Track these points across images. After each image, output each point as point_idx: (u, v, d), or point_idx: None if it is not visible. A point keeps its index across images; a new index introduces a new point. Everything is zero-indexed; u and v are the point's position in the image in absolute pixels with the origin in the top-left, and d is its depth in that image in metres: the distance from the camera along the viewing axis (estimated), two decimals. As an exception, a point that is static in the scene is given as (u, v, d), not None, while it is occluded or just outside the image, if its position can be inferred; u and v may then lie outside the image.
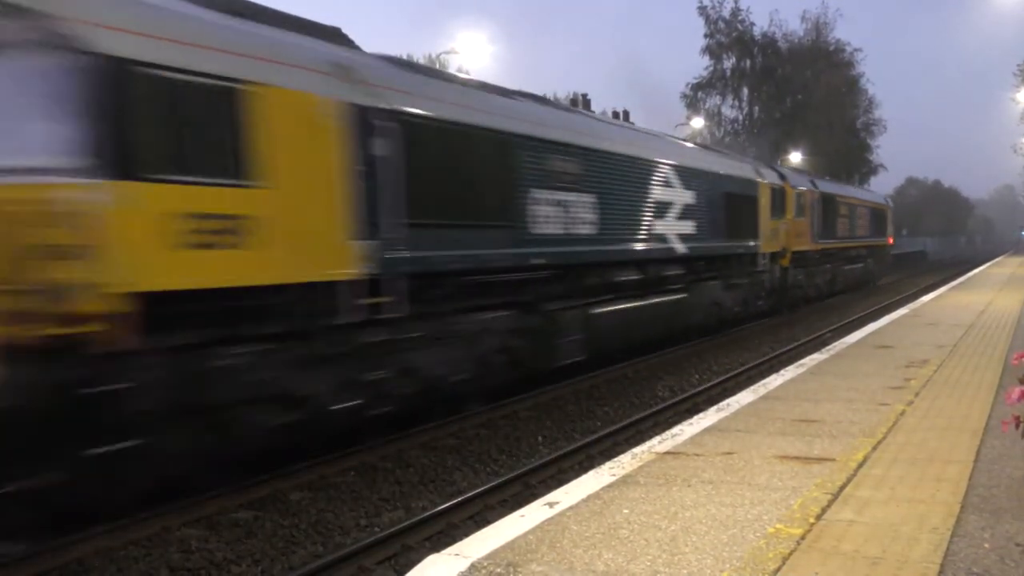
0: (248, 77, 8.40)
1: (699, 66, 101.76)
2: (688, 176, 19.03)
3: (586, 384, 15.49)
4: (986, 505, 5.85)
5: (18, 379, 6.70)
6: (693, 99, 63.43)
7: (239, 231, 8.10)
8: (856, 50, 67.92)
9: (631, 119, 22.73)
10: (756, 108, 65.44)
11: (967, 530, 5.36)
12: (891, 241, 47.33)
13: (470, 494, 9.11)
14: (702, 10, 62.75)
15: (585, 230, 14.68)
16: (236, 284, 8.07)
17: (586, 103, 22.28)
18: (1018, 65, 59.62)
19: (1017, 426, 5.73)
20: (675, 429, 8.55)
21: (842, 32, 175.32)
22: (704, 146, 28.64)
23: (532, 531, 5.46)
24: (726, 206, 21.13)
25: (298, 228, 8.74)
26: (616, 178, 15.79)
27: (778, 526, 5.48)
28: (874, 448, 7.42)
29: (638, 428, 12.31)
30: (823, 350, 14.38)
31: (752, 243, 23.37)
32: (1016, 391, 5.61)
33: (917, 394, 9.90)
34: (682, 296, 19.12)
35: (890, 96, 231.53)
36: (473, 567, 4.87)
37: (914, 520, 5.54)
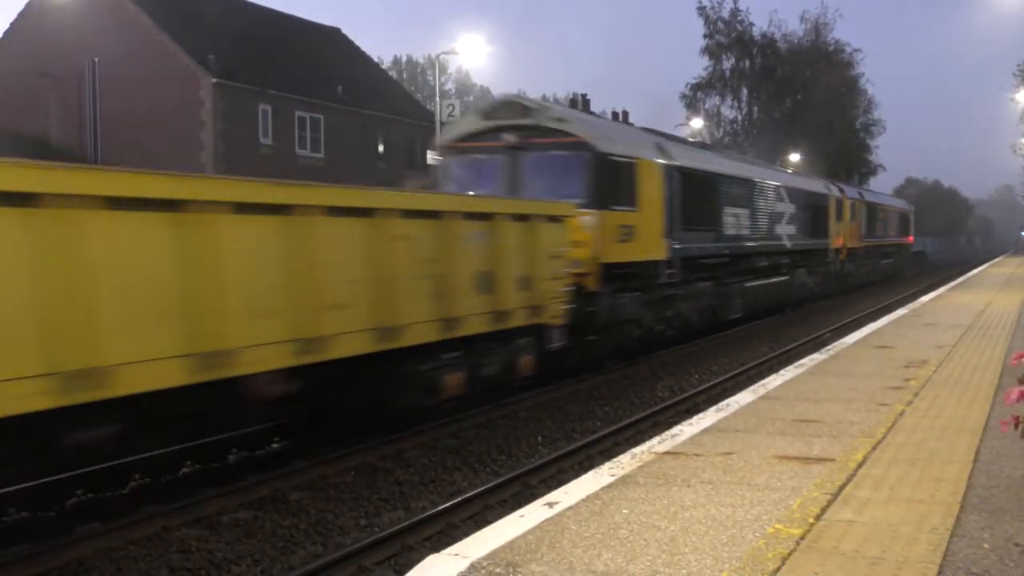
0: (635, 156, 17.01)
1: (698, 66, 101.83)
2: (791, 193, 27.51)
3: (586, 384, 15.50)
4: (985, 505, 5.86)
5: (574, 306, 14.30)
6: (693, 99, 63.54)
7: (631, 233, 16.40)
8: (855, 50, 68.10)
9: (630, 119, 22.87)
10: (755, 108, 65.50)
11: (966, 530, 5.37)
12: (911, 240, 58.40)
13: (470, 494, 9.12)
14: (702, 10, 62.87)
15: (743, 232, 22.97)
16: (628, 260, 16.36)
17: (585, 103, 22.36)
18: (1018, 65, 59.57)
19: (1016, 426, 5.73)
20: (675, 429, 8.55)
21: (841, 32, 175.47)
22: (796, 172, 38.59)
23: (532, 531, 5.46)
24: (810, 214, 29.37)
25: (647, 231, 17.07)
26: (758, 197, 24.23)
27: (777, 526, 5.48)
28: (873, 448, 7.43)
29: (638, 428, 12.31)
30: (822, 350, 14.39)
31: (824, 241, 31.65)
32: (1015, 391, 5.62)
33: (916, 394, 9.91)
34: (787, 278, 27.27)
35: (890, 96, 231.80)
36: (473, 567, 4.87)
37: (914, 520, 5.55)
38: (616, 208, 15.90)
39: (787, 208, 26.84)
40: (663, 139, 19.84)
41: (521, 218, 12.84)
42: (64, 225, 6.80)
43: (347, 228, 9.66)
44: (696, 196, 19.51)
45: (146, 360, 7.30)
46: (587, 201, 15.07)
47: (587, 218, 14.87)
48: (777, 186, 26.31)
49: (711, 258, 20.67)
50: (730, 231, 21.89)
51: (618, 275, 15.91)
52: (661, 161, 18.03)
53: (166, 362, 7.47)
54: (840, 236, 33.95)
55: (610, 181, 15.92)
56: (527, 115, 16.48)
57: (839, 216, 33.76)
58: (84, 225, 6.93)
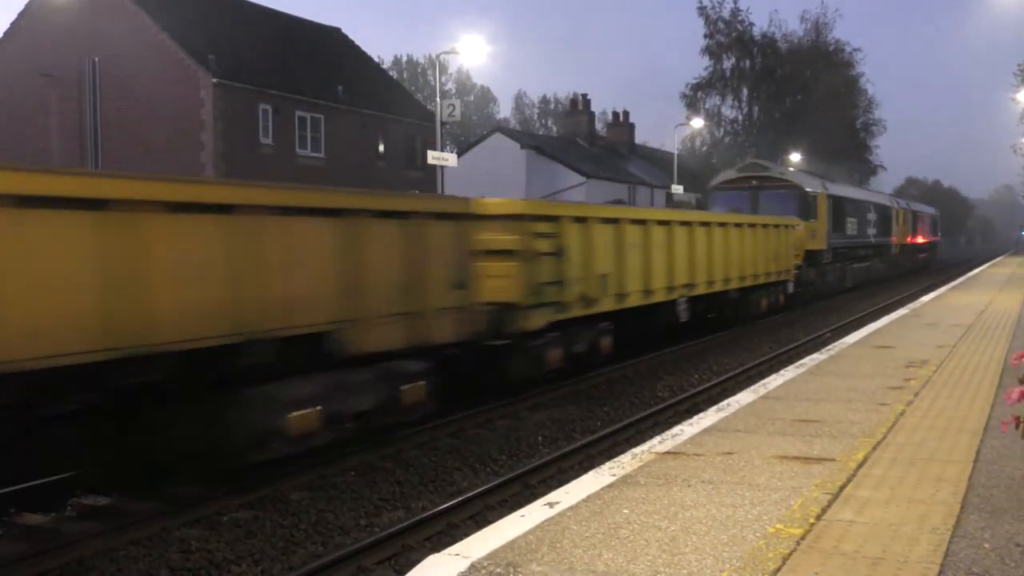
0: (817, 191, 32.73)
1: (699, 66, 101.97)
2: (874, 206, 42.67)
3: (586, 384, 15.49)
4: (986, 505, 5.86)
5: (797, 271, 28.98)
6: (693, 99, 63.62)
7: (815, 234, 31.96)
8: (855, 50, 68.27)
9: (630, 119, 23.01)
10: (756, 108, 65.53)
11: (967, 530, 5.36)
12: (939, 238, 73.50)
13: (470, 494, 9.11)
14: (702, 10, 62.96)
15: (854, 233, 37.85)
16: (813, 249, 31.39)
17: (586, 103, 22.38)
18: (1018, 65, 59.67)
19: (1017, 426, 5.73)
20: (675, 429, 8.55)
21: (841, 32, 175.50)
22: (876, 191, 54.86)
23: (532, 531, 5.46)
24: (882, 220, 43.91)
25: (820, 233, 32.36)
26: (861, 210, 39.39)
27: (778, 526, 5.48)
28: (874, 448, 7.42)
29: (638, 428, 12.31)
30: (823, 350, 14.39)
31: (888, 239, 45.86)
32: (1016, 391, 5.61)
33: (917, 394, 9.90)
34: (868, 264, 41.38)
35: (890, 96, 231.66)
36: (473, 567, 4.87)
37: (914, 520, 5.54)
38: (809, 220, 31.41)
39: (872, 216, 41.86)
40: (822, 179, 36.43)
41: (776, 226, 26.24)
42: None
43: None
44: (837, 212, 35.08)
45: None
46: (798, 218, 29.83)
47: (799, 226, 29.08)
48: (868, 202, 42.11)
49: (842, 249, 35.96)
50: (850, 232, 37.35)
51: (807, 256, 30.33)
52: (825, 192, 33.62)
53: None
54: (896, 235, 48.00)
55: (807, 206, 31.98)
56: (763, 170, 33.68)
57: (896, 221, 47.99)
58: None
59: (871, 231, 41.42)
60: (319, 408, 9.39)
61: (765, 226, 25.30)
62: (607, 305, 15.76)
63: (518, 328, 13.16)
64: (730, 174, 34.14)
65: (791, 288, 27.84)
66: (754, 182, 32.39)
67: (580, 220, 15.05)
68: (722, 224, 21.69)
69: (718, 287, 21.29)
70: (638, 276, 16.90)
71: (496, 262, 12.93)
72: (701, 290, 20.13)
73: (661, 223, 18.25)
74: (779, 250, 25.92)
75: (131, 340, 7.39)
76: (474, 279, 12.03)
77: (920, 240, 57.25)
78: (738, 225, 22.72)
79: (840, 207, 35.57)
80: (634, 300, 16.81)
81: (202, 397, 8.61)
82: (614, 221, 16.34)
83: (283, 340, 8.91)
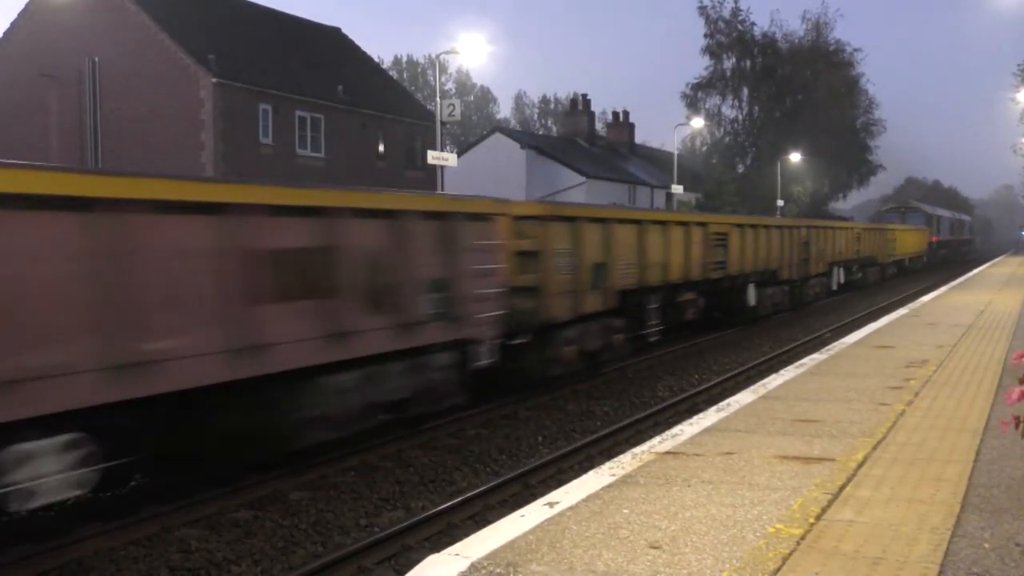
0: (932, 213, 74.72)
1: (699, 66, 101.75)
2: (950, 219, 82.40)
3: (586, 384, 15.49)
4: (986, 505, 5.86)
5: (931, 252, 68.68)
6: (693, 99, 63.50)
7: (926, 236, 66.59)
8: (856, 50, 68.16)
9: (630, 119, 23.08)
10: (756, 108, 65.44)
11: (967, 530, 5.36)
12: (971, 238, 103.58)
13: (470, 494, 9.11)
14: (702, 10, 62.86)
15: (946, 237, 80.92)
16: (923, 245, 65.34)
17: (586, 103, 22.36)
18: (1018, 65, 59.60)
19: (1017, 426, 5.73)
20: (675, 429, 8.55)
21: (842, 32, 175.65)
22: (944, 207, 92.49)
23: (532, 531, 5.46)
24: (952, 225, 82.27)
25: (929, 235, 68.73)
26: (941, 220, 77.65)
27: (778, 526, 5.48)
28: (874, 448, 7.42)
29: (638, 428, 12.31)
30: (823, 350, 14.38)
31: (957, 237, 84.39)
32: (1016, 391, 5.61)
33: (917, 394, 9.90)
34: (948, 250, 78.53)
35: (890, 96, 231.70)
36: (473, 567, 4.87)
37: (914, 520, 5.54)
38: (929, 228, 68.12)
39: (947, 224, 77.55)
40: (927, 204, 78.54)
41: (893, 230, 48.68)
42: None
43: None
44: (937, 225, 70.32)
45: None
46: (927, 228, 65.99)
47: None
48: (946, 216, 78.69)
49: (941, 241, 71.10)
50: (943, 236, 73.67)
51: (931, 243, 65.96)
52: (932, 213, 71.97)
53: None
54: (956, 235, 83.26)
55: (932, 221, 69.60)
56: (907, 204, 74.77)
57: (955, 227, 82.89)
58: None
59: (948, 232, 78.69)
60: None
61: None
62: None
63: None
64: (890, 205, 75.70)
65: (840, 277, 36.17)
66: (903, 209, 70.16)
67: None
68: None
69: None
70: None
71: None
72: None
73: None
74: (910, 247, 49.17)
75: None
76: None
77: (959, 238, 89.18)
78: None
79: (938, 221, 73.05)
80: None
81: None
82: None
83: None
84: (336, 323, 9.24)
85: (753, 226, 24.16)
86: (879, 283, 44.36)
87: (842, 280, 36.35)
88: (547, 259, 13.97)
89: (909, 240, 54.45)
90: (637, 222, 17.39)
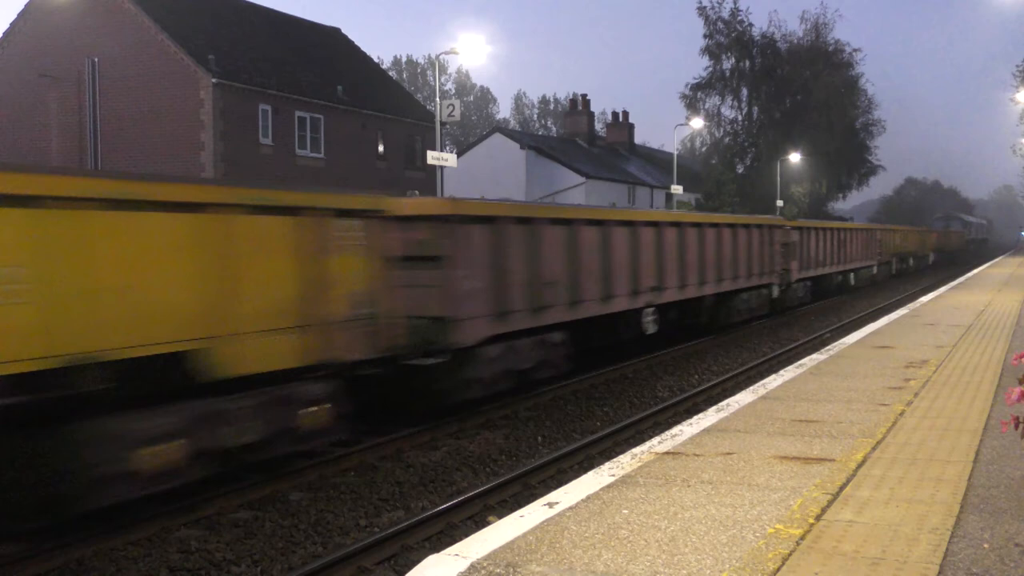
0: (977, 220, 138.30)
1: (698, 66, 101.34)
2: (975, 223, 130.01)
3: (586, 384, 15.49)
4: (986, 505, 5.86)
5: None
6: (692, 99, 63.49)
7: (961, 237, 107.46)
8: (855, 50, 68.13)
9: (630, 119, 23.00)
10: (755, 108, 65.45)
11: (967, 530, 5.37)
12: (987, 237, 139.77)
13: (470, 494, 9.12)
14: (702, 11, 62.86)
15: (977, 236, 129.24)
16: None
17: (586, 103, 22.34)
18: (1018, 65, 59.77)
19: (1016, 426, 5.73)
20: (675, 429, 8.55)
21: (841, 32, 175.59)
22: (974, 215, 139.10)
23: (532, 531, 5.46)
24: (976, 227, 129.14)
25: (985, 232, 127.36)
26: (973, 224, 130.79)
27: (778, 526, 5.48)
28: (874, 448, 7.43)
29: (638, 428, 12.31)
30: (822, 350, 14.38)
31: (983, 236, 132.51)
32: (1015, 391, 5.62)
33: (916, 394, 9.91)
34: (979, 244, 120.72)
35: (890, 96, 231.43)
36: (473, 567, 4.87)
37: (914, 520, 5.55)
38: (965, 231, 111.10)
39: (972, 228, 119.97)
40: (964, 214, 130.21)
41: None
42: None
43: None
44: (970, 229, 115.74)
45: None
46: (964, 231, 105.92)
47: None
48: (971, 221, 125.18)
49: (970, 242, 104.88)
50: (972, 236, 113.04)
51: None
52: (966, 220, 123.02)
53: None
54: (985, 235, 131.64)
55: (967, 226, 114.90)
56: (950, 215, 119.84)
57: (979, 228, 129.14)
58: None
59: (975, 233, 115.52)
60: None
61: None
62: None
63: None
64: (939, 215, 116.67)
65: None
66: (947, 218, 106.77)
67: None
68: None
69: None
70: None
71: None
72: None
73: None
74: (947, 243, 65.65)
75: None
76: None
77: (983, 236, 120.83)
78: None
79: (971, 225, 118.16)
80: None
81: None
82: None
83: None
84: None
85: (828, 229, 31.97)
86: (925, 269, 62.87)
87: (898, 267, 51.74)
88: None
89: (952, 239, 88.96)
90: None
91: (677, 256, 18.82)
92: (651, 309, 17.97)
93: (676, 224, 19.08)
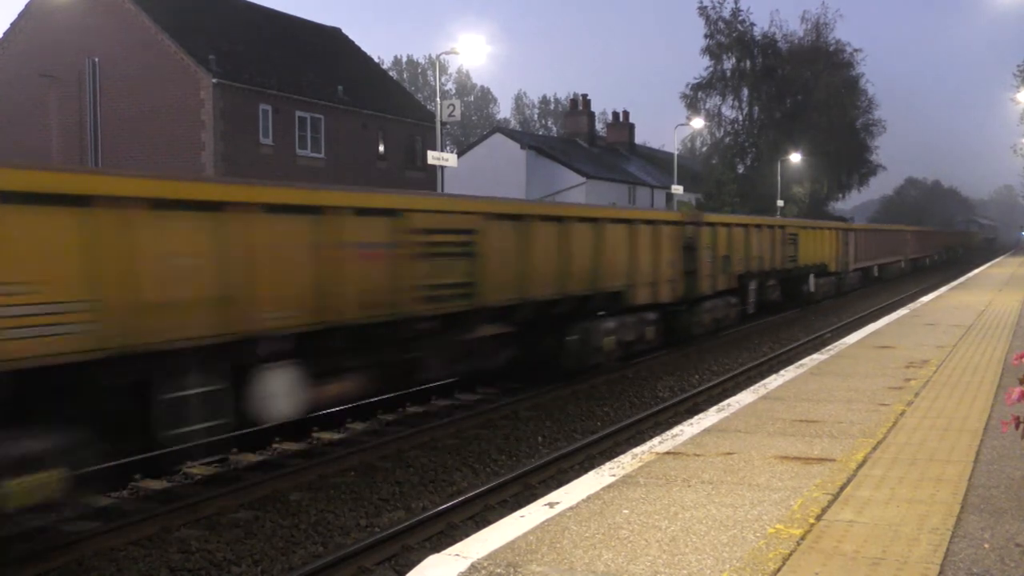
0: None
1: (699, 66, 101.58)
2: (986, 225, 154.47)
3: (586, 384, 15.49)
4: (986, 505, 5.85)
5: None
6: (693, 99, 63.47)
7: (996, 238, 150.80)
8: (856, 50, 68.13)
9: (630, 119, 23.02)
10: (756, 108, 65.44)
11: (967, 530, 5.36)
12: (995, 236, 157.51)
13: (470, 494, 9.11)
14: (702, 10, 62.86)
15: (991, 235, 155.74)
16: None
17: (586, 103, 22.35)
18: (1018, 65, 59.80)
19: (1017, 426, 5.73)
20: (675, 429, 8.54)
21: (842, 32, 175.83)
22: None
23: (532, 531, 5.46)
24: (990, 228, 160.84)
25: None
26: (985, 228, 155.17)
27: (778, 526, 5.48)
28: (874, 448, 7.42)
29: (638, 428, 12.31)
30: (823, 350, 14.38)
31: (994, 236, 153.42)
32: (1016, 391, 5.61)
33: (917, 394, 9.90)
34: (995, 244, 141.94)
35: (890, 96, 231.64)
36: (473, 567, 4.87)
37: (914, 520, 5.54)
38: (983, 231, 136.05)
39: (988, 229, 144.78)
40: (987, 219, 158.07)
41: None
42: None
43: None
44: (987, 230, 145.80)
45: None
46: (980, 232, 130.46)
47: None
48: (985, 223, 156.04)
49: (985, 240, 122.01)
50: (986, 235, 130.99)
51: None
52: (984, 223, 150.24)
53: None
54: (994, 236, 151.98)
55: (985, 228, 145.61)
56: (970, 219, 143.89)
57: (987, 228, 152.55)
58: None
59: (990, 233, 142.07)
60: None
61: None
62: None
63: None
64: (971, 218, 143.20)
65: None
66: (971, 221, 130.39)
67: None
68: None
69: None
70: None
71: None
72: None
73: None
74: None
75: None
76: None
77: (993, 236, 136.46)
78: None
79: (986, 227, 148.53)
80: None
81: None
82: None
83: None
84: None
85: (888, 231, 41.74)
86: (957, 260, 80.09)
87: (941, 257, 70.02)
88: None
89: (973, 238, 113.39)
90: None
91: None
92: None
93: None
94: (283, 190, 9.83)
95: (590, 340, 15.18)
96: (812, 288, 30.73)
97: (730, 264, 21.98)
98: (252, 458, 10.42)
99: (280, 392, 9.27)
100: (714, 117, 64.08)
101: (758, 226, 24.60)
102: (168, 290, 7.90)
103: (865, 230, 44.14)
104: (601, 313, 15.80)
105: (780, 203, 57.03)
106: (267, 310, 8.85)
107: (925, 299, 26.02)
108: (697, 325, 20.10)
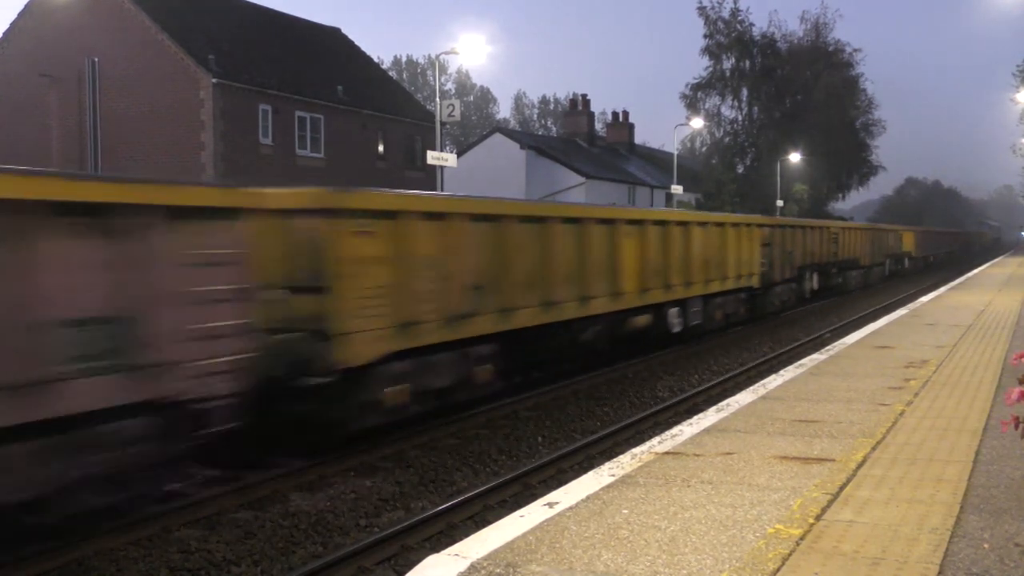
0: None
1: (699, 66, 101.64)
2: (992, 227, 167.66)
3: (586, 384, 15.49)
4: (986, 505, 5.86)
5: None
6: (693, 99, 63.41)
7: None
8: (855, 50, 68.09)
9: (630, 119, 23.24)
10: (756, 108, 65.41)
11: (967, 530, 5.37)
12: (999, 236, 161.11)
13: (470, 494, 9.12)
14: (702, 11, 62.81)
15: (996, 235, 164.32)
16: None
17: (586, 103, 22.45)
18: (1018, 65, 59.70)
19: (1016, 426, 5.73)
20: (675, 429, 8.55)
21: (841, 32, 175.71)
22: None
23: (532, 531, 5.46)
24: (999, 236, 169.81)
25: None
26: (990, 230, 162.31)
27: (778, 526, 5.48)
28: (874, 448, 7.43)
29: (638, 428, 12.31)
30: (822, 350, 14.38)
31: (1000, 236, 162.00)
32: (1015, 391, 5.61)
33: (916, 394, 9.91)
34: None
35: (890, 96, 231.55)
36: (473, 567, 4.87)
37: (914, 520, 5.55)
38: (991, 231, 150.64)
39: (993, 229, 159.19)
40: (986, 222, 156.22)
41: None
42: None
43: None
44: (994, 230, 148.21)
45: None
46: (988, 232, 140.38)
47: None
48: (992, 224, 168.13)
49: (992, 239, 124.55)
50: (992, 235, 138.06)
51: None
52: (991, 224, 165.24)
53: None
54: (991, 235, 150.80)
55: (991, 228, 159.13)
56: (981, 221, 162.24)
57: (993, 229, 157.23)
58: None
59: (995, 233, 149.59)
60: None
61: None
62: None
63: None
64: (985, 219, 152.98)
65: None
66: (984, 223, 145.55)
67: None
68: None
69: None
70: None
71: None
72: None
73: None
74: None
75: None
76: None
77: (997, 235, 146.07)
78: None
79: (993, 227, 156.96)
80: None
81: None
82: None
83: None
84: None
85: (931, 231, 48.83)
86: (971, 253, 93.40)
87: (962, 251, 79.71)
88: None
89: (985, 237, 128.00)
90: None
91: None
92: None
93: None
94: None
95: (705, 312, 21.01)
96: (849, 278, 37.89)
97: (792, 258, 28.43)
98: (252, 458, 10.42)
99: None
100: (714, 117, 64.06)
101: (812, 227, 31.74)
102: None
103: (903, 231, 56.13)
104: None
105: (780, 203, 57.00)
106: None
107: (925, 299, 26.02)
108: (771, 305, 26.44)
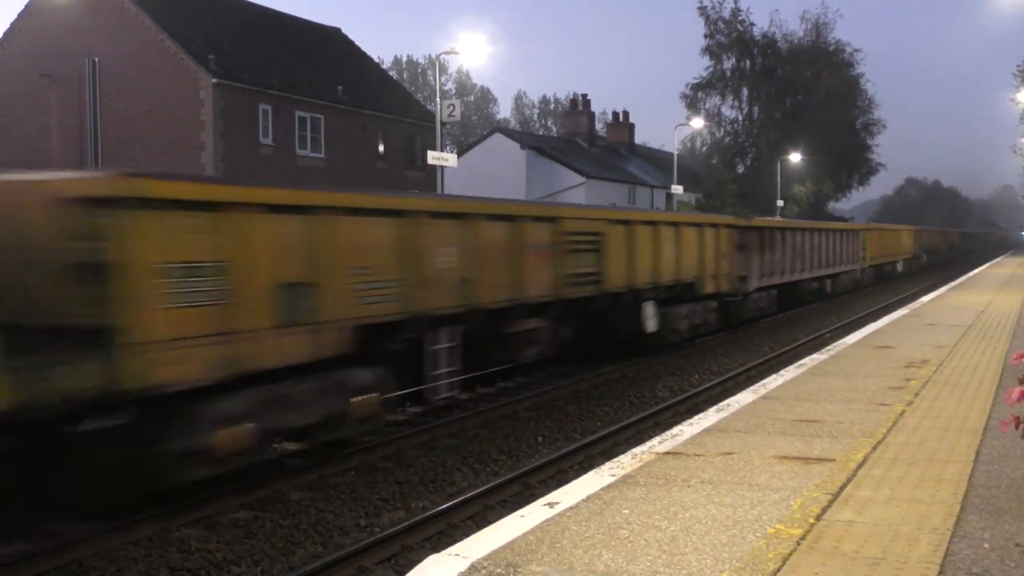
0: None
1: (699, 66, 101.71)
2: (998, 227, 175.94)
3: (586, 384, 15.49)
4: (986, 505, 5.85)
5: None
6: (693, 99, 63.44)
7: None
8: (856, 50, 68.14)
9: (630, 119, 23.12)
10: (756, 108, 65.43)
11: (967, 530, 5.36)
12: (1001, 237, 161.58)
13: (470, 494, 9.11)
14: (702, 10, 62.83)
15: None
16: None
17: (586, 103, 22.43)
18: (1018, 65, 59.84)
19: (1017, 426, 5.72)
20: (675, 429, 8.55)
21: (842, 32, 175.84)
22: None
23: (532, 531, 5.46)
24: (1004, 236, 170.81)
25: None
26: (996, 232, 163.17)
27: (778, 526, 5.48)
28: (874, 448, 7.42)
29: (638, 428, 12.31)
30: (823, 350, 14.38)
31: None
32: (1016, 391, 5.61)
33: (917, 394, 9.90)
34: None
35: (890, 96, 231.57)
36: (473, 567, 4.87)
37: (914, 520, 5.54)
38: (997, 231, 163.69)
39: (999, 230, 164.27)
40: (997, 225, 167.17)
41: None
42: None
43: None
44: (1000, 231, 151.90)
45: None
46: (996, 232, 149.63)
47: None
48: (999, 225, 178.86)
49: (1001, 239, 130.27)
50: (1000, 234, 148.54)
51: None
52: (996, 224, 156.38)
53: None
54: (999, 235, 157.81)
55: (998, 228, 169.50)
56: (989, 223, 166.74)
57: (999, 230, 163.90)
58: None
59: (1003, 233, 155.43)
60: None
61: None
62: None
63: None
64: (992, 222, 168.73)
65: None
66: (992, 224, 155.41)
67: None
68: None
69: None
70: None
71: None
72: None
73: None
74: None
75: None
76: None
77: (1004, 235, 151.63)
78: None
79: (999, 227, 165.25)
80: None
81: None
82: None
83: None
84: None
85: (945, 231, 62.66)
86: (983, 251, 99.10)
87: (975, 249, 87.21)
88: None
89: (994, 237, 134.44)
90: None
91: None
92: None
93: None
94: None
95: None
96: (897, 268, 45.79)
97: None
98: (252, 458, 10.41)
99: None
100: (714, 117, 64.09)
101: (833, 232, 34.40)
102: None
103: (927, 231, 66.21)
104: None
105: (780, 203, 57.00)
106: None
107: (925, 299, 26.02)
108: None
